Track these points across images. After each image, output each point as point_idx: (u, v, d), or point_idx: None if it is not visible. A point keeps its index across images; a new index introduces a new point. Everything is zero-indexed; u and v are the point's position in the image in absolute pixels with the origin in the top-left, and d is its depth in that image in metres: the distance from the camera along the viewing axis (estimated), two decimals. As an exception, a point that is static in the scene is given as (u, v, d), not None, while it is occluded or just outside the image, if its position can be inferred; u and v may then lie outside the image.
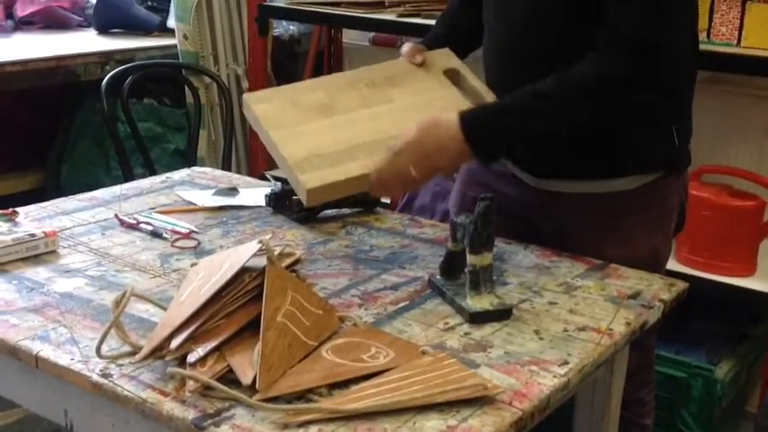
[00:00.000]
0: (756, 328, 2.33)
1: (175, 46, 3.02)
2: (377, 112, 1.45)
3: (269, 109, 1.46)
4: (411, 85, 1.51)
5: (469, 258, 1.26)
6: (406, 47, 1.57)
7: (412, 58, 1.54)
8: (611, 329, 1.23)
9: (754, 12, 2.07)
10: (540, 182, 1.54)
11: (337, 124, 1.42)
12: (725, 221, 2.11)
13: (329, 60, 3.34)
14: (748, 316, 2.33)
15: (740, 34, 2.09)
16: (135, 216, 1.62)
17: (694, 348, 2.21)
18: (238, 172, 3.00)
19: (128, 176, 2.49)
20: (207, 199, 1.76)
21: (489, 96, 1.48)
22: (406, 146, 1.34)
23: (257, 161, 3.08)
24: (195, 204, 1.73)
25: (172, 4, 3.03)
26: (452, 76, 1.54)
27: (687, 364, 2.14)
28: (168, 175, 1.97)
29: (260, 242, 1.17)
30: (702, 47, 2.04)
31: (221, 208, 1.72)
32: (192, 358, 1.04)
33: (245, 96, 1.51)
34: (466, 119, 1.33)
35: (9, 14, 3.16)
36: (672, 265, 1.85)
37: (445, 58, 1.57)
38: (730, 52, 2.06)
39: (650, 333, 1.61)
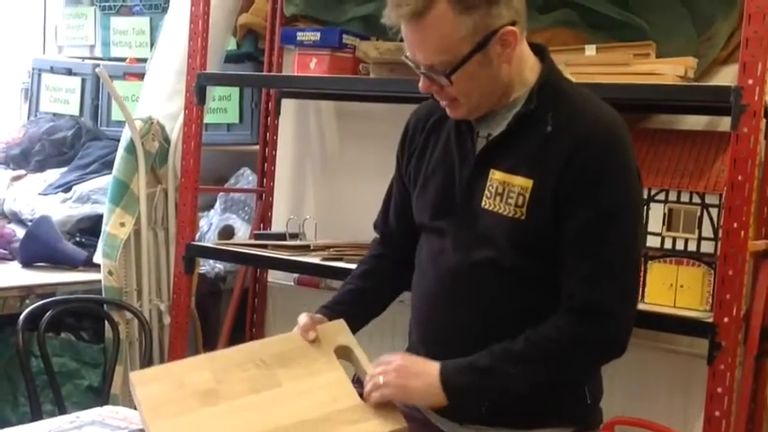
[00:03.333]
0: None
1: (100, 281, 3.03)
2: (262, 399, 1.44)
3: (152, 394, 1.45)
4: (300, 365, 1.51)
5: None
6: (302, 318, 1.60)
7: (305, 334, 1.57)
8: None
9: (655, 271, 2.21)
10: (453, 427, 1.56)
11: (220, 414, 1.41)
12: (640, 474, 2.12)
13: (254, 299, 3.38)
14: None
15: (643, 291, 2.22)
16: (39, 462, 1.55)
17: None
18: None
19: (36, 413, 2.40)
20: (117, 443, 1.70)
21: None
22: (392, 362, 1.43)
23: (173, 400, 3.01)
24: (104, 449, 1.67)
25: (100, 241, 3.07)
26: (344, 354, 1.58)
27: None
28: (78, 414, 1.90)
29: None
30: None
31: (132, 452, 1.66)
32: None
33: (131, 375, 1.51)
34: (444, 372, 1.44)
35: (-71, 248, 3.16)
36: None
37: (338, 333, 1.59)
38: (640, 309, 2.17)
39: None
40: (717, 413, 2.00)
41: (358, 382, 1.52)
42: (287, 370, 1.50)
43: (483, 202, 1.50)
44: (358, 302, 1.70)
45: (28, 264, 3.18)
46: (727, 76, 2.46)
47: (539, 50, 1.57)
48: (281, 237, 2.93)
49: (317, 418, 1.42)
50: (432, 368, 1.45)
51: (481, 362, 1.44)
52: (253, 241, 3.02)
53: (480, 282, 1.51)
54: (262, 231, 3.18)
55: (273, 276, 3.38)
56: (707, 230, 2.14)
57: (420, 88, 1.52)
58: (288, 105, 3.36)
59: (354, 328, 1.61)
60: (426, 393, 1.45)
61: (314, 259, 2.70)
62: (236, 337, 3.39)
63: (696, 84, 2.34)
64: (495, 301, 1.50)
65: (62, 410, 2.45)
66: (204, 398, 1.43)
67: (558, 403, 1.52)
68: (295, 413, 1.40)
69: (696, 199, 2.15)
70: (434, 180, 1.59)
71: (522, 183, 1.47)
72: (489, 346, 1.47)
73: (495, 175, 1.50)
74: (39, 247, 3.17)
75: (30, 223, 3.32)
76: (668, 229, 2.18)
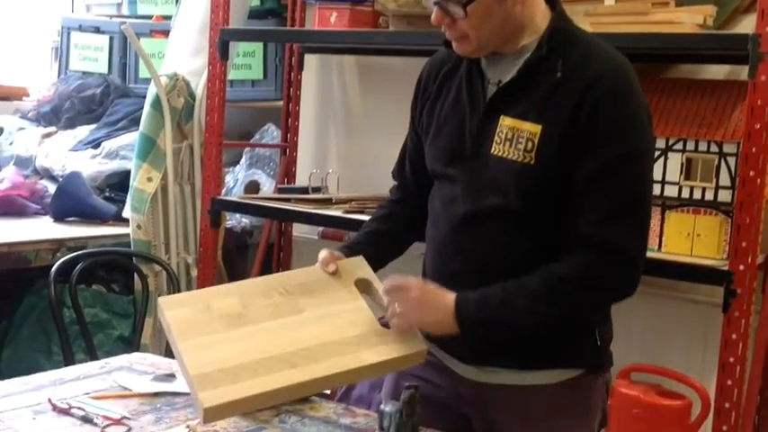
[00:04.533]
0: None
1: (128, 234, 3.11)
2: (286, 324, 1.50)
3: (180, 316, 1.50)
4: (322, 294, 1.57)
5: (394, 448, 1.29)
6: (323, 253, 1.64)
7: (325, 267, 1.61)
8: None
9: (672, 220, 2.23)
10: (467, 370, 1.60)
11: (246, 335, 1.46)
12: (653, 420, 2.16)
13: (279, 253, 3.44)
14: None
15: (660, 240, 2.23)
16: (68, 401, 1.62)
17: None
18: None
19: (69, 362, 2.48)
20: (143, 385, 1.77)
21: None
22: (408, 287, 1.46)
23: (201, 350, 3.09)
24: (130, 390, 1.74)
25: (128, 195, 3.14)
26: (363, 287, 1.62)
27: None
28: (107, 360, 1.98)
29: (187, 427, 1.19)
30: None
31: (157, 394, 1.73)
32: None
33: (160, 300, 1.55)
34: (460, 304, 1.47)
35: (-33, 202, 3.24)
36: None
37: (357, 267, 1.64)
38: (652, 257, 2.19)
39: None
40: (731, 359, 2.02)
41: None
42: (309, 298, 1.55)
43: (493, 148, 1.52)
44: (376, 243, 1.74)
45: (59, 218, 3.26)
46: (750, 25, 2.43)
47: (551, 0, 1.58)
48: (304, 190, 2.97)
49: (338, 341, 1.47)
50: (447, 300, 1.49)
51: (494, 295, 1.47)
52: (276, 195, 3.07)
53: (490, 228, 1.53)
54: (285, 185, 3.23)
55: (298, 230, 3.43)
56: (724, 179, 2.14)
57: (432, 20, 1.53)
58: (311, 61, 3.38)
59: (373, 269, 1.65)
60: (441, 324, 1.49)
61: (336, 212, 2.75)
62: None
63: (713, 32, 2.32)
64: (504, 247, 1.53)
65: (94, 359, 2.52)
66: (230, 320, 1.48)
67: (569, 345, 1.55)
68: (317, 336, 1.45)
69: (714, 148, 2.15)
70: (446, 128, 1.61)
71: (530, 128, 1.48)
72: None
73: (505, 122, 1.52)
74: (70, 201, 3.24)
75: (61, 179, 3.39)
76: (686, 179, 2.19)
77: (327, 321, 1.50)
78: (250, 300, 1.53)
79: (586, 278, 1.46)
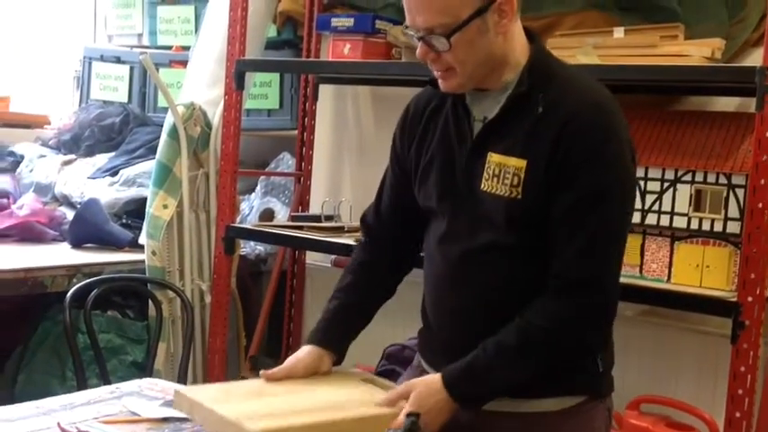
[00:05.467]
0: None
1: (144, 261, 3.14)
2: (303, 396, 1.60)
3: (204, 394, 1.62)
4: (332, 383, 1.68)
5: (395, 475, 1.31)
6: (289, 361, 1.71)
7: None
8: None
9: (682, 251, 2.23)
10: None
11: (270, 402, 1.56)
12: (663, 451, 2.15)
13: (292, 279, 3.47)
14: None
15: (670, 271, 2.23)
16: (77, 425, 1.64)
17: None
18: (194, 383, 3.02)
19: (82, 387, 2.51)
20: (152, 410, 1.79)
21: None
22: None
23: (213, 375, 3.11)
24: (139, 415, 1.76)
25: (144, 222, 3.18)
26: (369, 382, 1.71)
27: None
28: (118, 385, 2.00)
29: None
30: (635, 281, 2.20)
31: (165, 419, 1.74)
32: None
33: (177, 389, 1.68)
34: (447, 379, 1.49)
35: (-14, 228, 3.29)
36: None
37: (360, 374, 1.76)
38: (661, 288, 2.19)
39: None
40: (740, 391, 2.02)
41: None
42: (321, 385, 1.66)
43: (483, 185, 1.55)
44: (347, 321, 1.77)
45: (77, 244, 3.30)
46: (758, 58, 2.44)
47: (530, 36, 1.60)
48: (317, 219, 3.00)
49: (361, 400, 1.57)
50: (436, 385, 1.52)
51: (478, 364, 1.50)
52: (289, 223, 3.10)
53: (485, 263, 1.55)
54: (299, 213, 3.26)
55: (311, 258, 3.45)
56: (733, 211, 2.14)
57: (417, 55, 1.56)
58: (325, 91, 3.43)
59: (348, 342, 1.75)
60: (444, 410, 1.51)
61: (347, 240, 2.77)
62: (276, 317, 3.48)
63: (721, 65, 2.33)
64: (502, 281, 1.55)
65: (107, 384, 2.55)
66: (251, 395, 1.58)
67: (570, 373, 1.56)
68: (339, 398, 1.57)
69: (723, 180, 2.16)
70: (436, 165, 1.64)
71: (516, 163, 1.51)
72: (496, 322, 1.53)
73: (493, 158, 1.54)
74: (87, 228, 3.29)
75: (79, 206, 3.44)
76: (695, 210, 2.19)
77: (343, 395, 1.60)
78: (265, 385, 1.66)
79: (557, 322, 1.48)
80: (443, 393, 1.48)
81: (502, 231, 1.52)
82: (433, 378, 1.51)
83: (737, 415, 2.02)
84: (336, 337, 1.73)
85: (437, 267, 1.64)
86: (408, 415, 1.33)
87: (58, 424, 1.65)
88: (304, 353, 1.71)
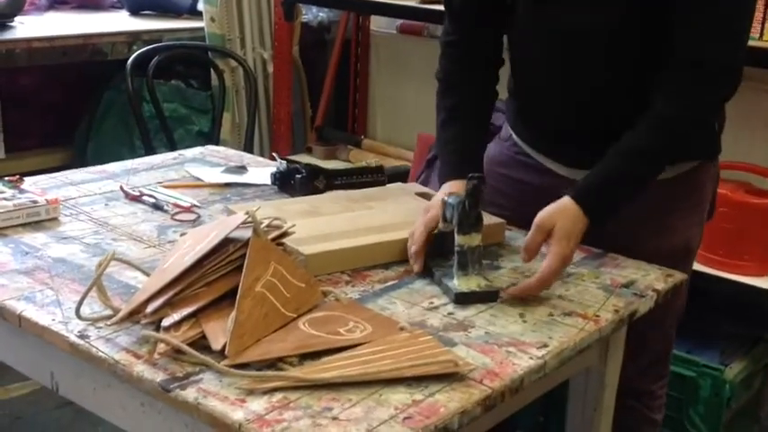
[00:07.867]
0: (772, 332, 2.28)
1: (203, 28, 3.05)
2: (359, 214, 1.51)
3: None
4: (387, 199, 1.60)
5: (458, 239, 1.26)
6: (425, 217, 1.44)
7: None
8: (597, 316, 1.22)
9: (777, 8, 2.03)
10: (575, 172, 1.49)
11: (324, 221, 1.46)
12: (741, 219, 2.07)
13: (356, 48, 3.34)
14: (765, 317, 2.28)
15: (763, 27, 2.04)
16: (140, 189, 1.64)
17: (707, 348, 2.17)
18: (261, 155, 3.02)
19: (149, 155, 2.51)
20: (214, 175, 1.77)
21: None
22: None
23: (279, 144, 3.09)
24: (201, 180, 1.74)
25: (202, -12, 3.06)
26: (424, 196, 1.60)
27: (696, 363, 2.10)
28: (181, 152, 1.99)
29: (247, 213, 1.18)
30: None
31: (227, 185, 1.73)
32: (166, 322, 1.05)
33: (230, 207, 1.56)
34: (578, 198, 1.32)
35: (45, -6, 3.22)
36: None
37: (417, 189, 1.67)
38: (753, 45, 2.01)
39: (670, 326, 1.61)
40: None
41: None
42: (376, 202, 1.58)
43: None
44: (476, 142, 1.56)
45: (135, 11, 3.22)
46: None
47: None
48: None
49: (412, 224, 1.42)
50: (573, 211, 1.33)
51: (614, 178, 1.35)
52: (352, -15, 2.93)
53: (590, 46, 1.40)
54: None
55: (376, 24, 3.30)
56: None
57: None
58: None
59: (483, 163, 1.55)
60: (584, 233, 1.34)
61: (413, 2, 2.61)
62: (341, 87, 3.40)
63: None
64: (605, 69, 1.41)
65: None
66: (303, 215, 1.48)
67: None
68: (394, 217, 1.47)
69: None
70: None
71: None
72: (595, 114, 1.42)
73: None
74: (145, -7, 3.19)
75: (135, -29, 3.32)
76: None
77: (397, 209, 1.52)
78: (318, 203, 1.56)
79: (692, 107, 1.35)
80: (584, 219, 1.32)
81: (614, 14, 1.36)
82: (566, 205, 1.34)
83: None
84: (474, 165, 1.50)
85: (534, 51, 1.48)
86: (470, 177, 1.25)
87: (121, 187, 1.64)
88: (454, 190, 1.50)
